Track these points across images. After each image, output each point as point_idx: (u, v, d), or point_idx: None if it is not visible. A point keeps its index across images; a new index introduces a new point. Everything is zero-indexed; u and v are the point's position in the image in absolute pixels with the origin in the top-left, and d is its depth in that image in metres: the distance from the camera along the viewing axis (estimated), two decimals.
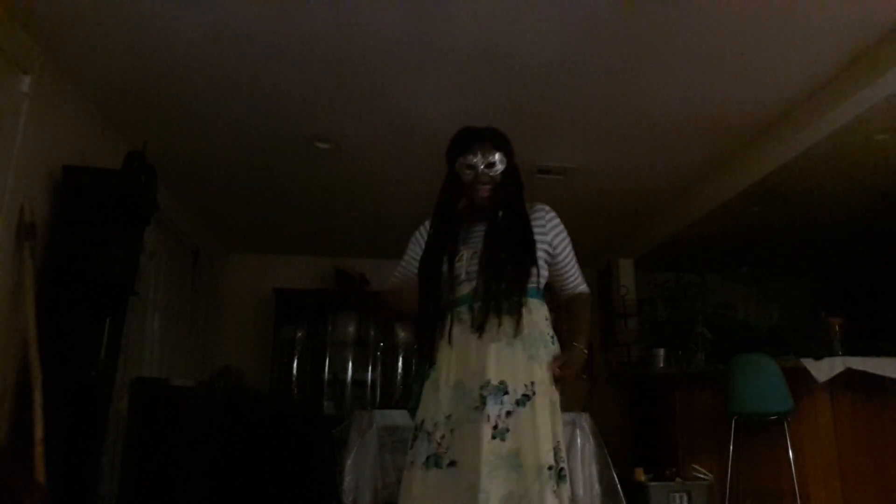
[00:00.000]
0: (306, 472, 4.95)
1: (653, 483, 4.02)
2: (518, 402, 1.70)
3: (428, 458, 1.69)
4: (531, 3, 2.66)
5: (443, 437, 1.69)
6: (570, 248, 1.99)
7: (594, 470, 3.14)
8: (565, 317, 2.10)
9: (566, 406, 3.66)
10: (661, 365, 4.94)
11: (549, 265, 1.95)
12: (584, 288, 2.06)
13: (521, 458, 1.64)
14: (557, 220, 1.98)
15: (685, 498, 3.95)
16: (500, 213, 1.87)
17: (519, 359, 1.75)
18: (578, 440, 3.17)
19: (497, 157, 1.89)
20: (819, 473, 3.87)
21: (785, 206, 4.66)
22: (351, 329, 6.13)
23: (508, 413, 1.69)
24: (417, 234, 2.08)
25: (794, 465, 3.69)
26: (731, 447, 3.90)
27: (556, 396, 1.80)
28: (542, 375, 1.77)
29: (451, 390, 1.74)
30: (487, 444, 1.64)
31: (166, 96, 3.42)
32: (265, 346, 6.04)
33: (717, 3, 2.64)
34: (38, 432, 2.60)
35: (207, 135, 3.87)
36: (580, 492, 3.06)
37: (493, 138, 1.92)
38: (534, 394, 1.72)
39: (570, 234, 2.00)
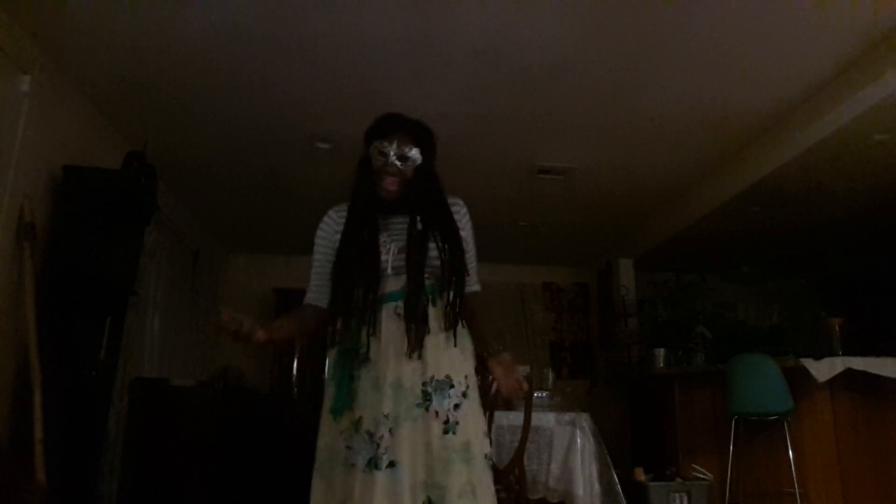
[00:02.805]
0: (306, 473, 4.94)
1: (653, 483, 4.02)
2: (463, 395, 1.71)
3: (370, 459, 1.61)
4: (531, 4, 2.66)
5: (382, 437, 1.63)
6: (472, 242, 1.91)
7: (594, 470, 3.14)
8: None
9: (567, 406, 3.67)
10: (661, 365, 4.94)
11: None
12: (478, 287, 1.93)
13: (472, 450, 1.65)
14: (468, 216, 1.92)
15: (685, 498, 3.95)
16: (419, 213, 1.80)
17: (455, 353, 1.74)
18: (578, 440, 3.17)
19: (413, 151, 1.80)
20: (819, 473, 3.87)
21: (785, 206, 4.66)
22: None
23: (456, 406, 1.68)
24: (325, 227, 1.95)
25: (794, 465, 3.69)
26: (731, 447, 3.90)
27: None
28: (470, 369, 1.78)
29: (390, 388, 1.67)
30: (439, 440, 1.63)
31: (166, 96, 3.42)
32: (265, 346, 6.04)
33: (717, 3, 2.64)
34: (38, 432, 2.60)
35: (207, 135, 3.88)
36: (580, 491, 3.07)
37: (415, 131, 1.84)
38: (469, 386, 1.73)
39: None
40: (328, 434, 1.72)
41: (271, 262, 6.47)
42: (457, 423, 1.66)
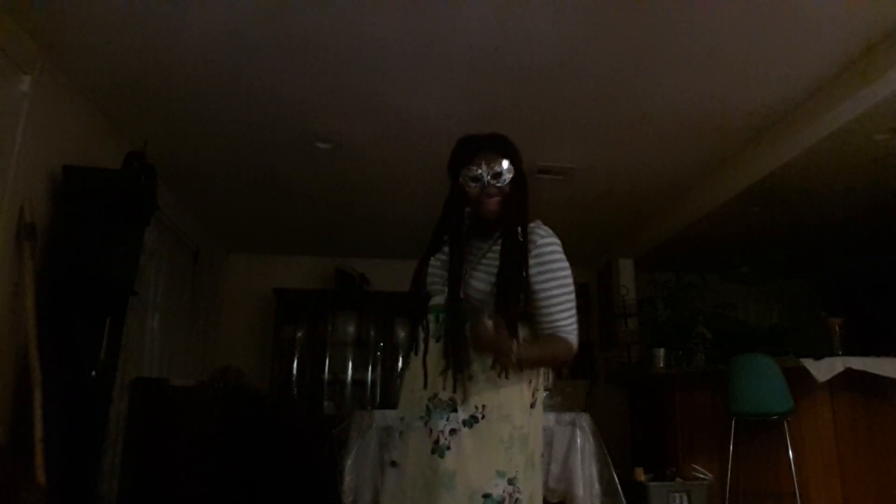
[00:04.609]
0: (306, 473, 4.95)
1: (653, 483, 4.02)
2: (465, 423, 1.63)
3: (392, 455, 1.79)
4: (531, 4, 2.66)
5: (396, 437, 1.77)
6: (554, 290, 1.70)
7: (594, 470, 3.14)
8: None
9: (567, 406, 3.67)
10: (661, 365, 4.94)
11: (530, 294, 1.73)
12: (564, 333, 1.70)
13: (457, 480, 1.59)
14: (547, 253, 1.72)
15: (685, 498, 3.95)
16: (515, 230, 1.71)
17: (476, 379, 1.66)
18: (578, 440, 3.17)
19: (504, 165, 1.73)
20: (819, 473, 3.87)
21: (785, 206, 4.66)
22: (351, 329, 6.13)
23: (453, 431, 1.63)
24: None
25: (794, 465, 3.69)
26: (731, 447, 3.90)
27: (524, 423, 1.70)
28: (498, 401, 1.66)
29: (408, 394, 1.77)
30: (427, 458, 1.63)
31: (166, 96, 3.42)
32: (265, 346, 6.05)
33: (717, 3, 2.64)
34: (38, 432, 2.60)
35: (207, 135, 3.87)
36: (580, 491, 3.07)
37: (498, 146, 1.77)
38: (483, 417, 1.64)
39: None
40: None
41: (271, 262, 6.47)
42: (448, 447, 1.62)
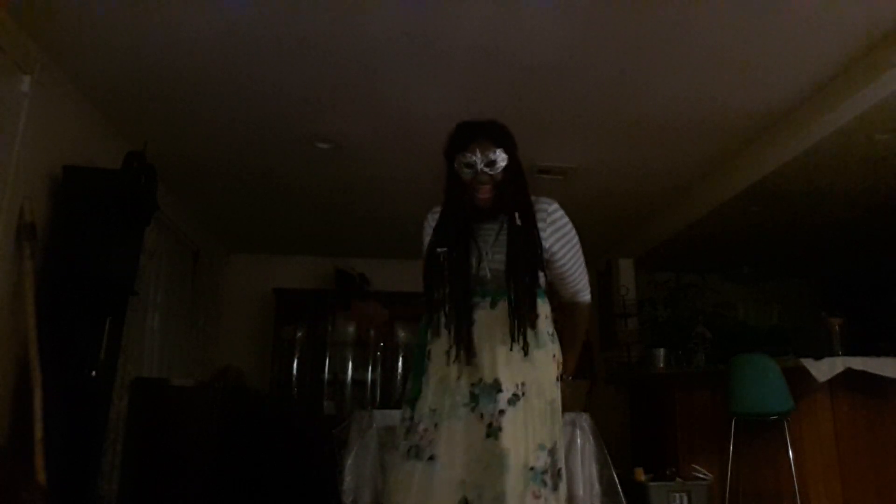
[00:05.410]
0: (306, 473, 4.95)
1: (653, 483, 4.02)
2: (509, 402, 1.67)
3: (409, 449, 1.69)
4: (530, 4, 2.66)
5: (426, 430, 1.69)
6: (571, 251, 1.86)
7: (594, 470, 3.13)
8: (561, 322, 2.00)
9: (566, 406, 3.67)
10: (661, 365, 4.94)
11: (548, 265, 1.86)
12: (582, 297, 1.97)
13: (512, 459, 1.62)
14: (558, 219, 1.84)
15: (685, 498, 3.95)
16: (517, 216, 1.78)
17: (512, 358, 1.71)
18: (578, 440, 3.17)
19: (497, 153, 1.76)
20: (819, 473, 3.86)
21: (785, 206, 4.66)
22: (351, 329, 6.13)
23: (501, 412, 1.66)
24: (425, 231, 1.96)
25: (794, 465, 3.69)
26: (731, 447, 3.90)
27: (555, 397, 1.76)
28: (535, 376, 1.72)
29: (437, 385, 1.74)
30: (482, 443, 1.63)
31: (166, 96, 3.42)
32: (265, 346, 6.05)
33: (717, 2, 2.64)
34: (38, 432, 2.60)
35: (207, 135, 3.88)
36: (580, 491, 3.06)
37: (493, 133, 1.80)
38: (523, 394, 1.69)
39: None
40: (400, 420, 1.82)
41: (271, 262, 6.47)
42: (500, 428, 1.64)
